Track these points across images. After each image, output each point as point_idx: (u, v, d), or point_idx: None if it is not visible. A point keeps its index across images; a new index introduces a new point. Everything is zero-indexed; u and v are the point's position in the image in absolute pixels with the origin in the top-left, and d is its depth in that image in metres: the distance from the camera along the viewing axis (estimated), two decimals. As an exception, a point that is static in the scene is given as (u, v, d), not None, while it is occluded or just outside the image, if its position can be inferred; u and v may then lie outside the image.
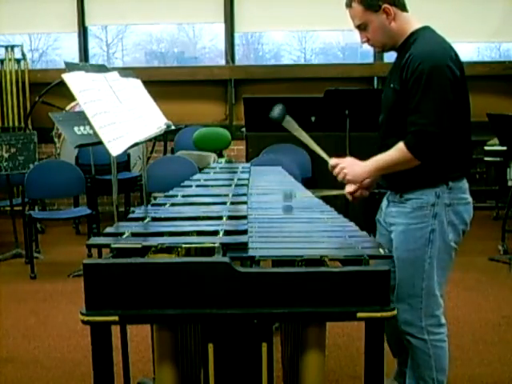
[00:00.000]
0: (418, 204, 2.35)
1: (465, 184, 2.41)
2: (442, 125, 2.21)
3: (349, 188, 2.46)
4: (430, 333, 2.43)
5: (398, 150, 2.28)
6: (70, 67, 2.55)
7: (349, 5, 2.36)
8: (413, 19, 2.37)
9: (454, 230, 2.39)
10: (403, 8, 2.35)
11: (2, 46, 7.15)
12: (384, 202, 2.60)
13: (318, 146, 2.54)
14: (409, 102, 2.25)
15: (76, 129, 3.12)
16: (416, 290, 2.39)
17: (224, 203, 2.50)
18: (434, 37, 2.33)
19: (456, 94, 2.27)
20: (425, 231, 2.35)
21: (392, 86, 2.36)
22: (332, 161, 2.45)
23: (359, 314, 1.69)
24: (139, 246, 1.85)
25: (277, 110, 2.53)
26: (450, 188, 2.34)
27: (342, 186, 2.50)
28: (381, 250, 1.86)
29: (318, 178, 5.32)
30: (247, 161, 5.43)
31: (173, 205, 2.51)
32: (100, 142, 2.46)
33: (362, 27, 2.36)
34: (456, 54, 2.32)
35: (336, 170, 2.42)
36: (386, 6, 2.29)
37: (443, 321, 2.47)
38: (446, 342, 2.48)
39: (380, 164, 2.35)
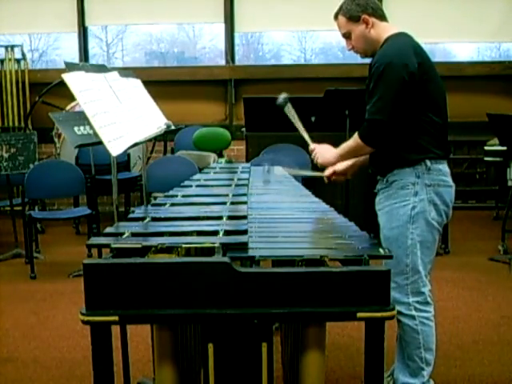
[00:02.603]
0: (401, 184, 2.56)
1: (445, 167, 2.59)
2: (388, 113, 2.44)
3: (326, 172, 2.83)
4: (418, 309, 2.58)
5: (353, 139, 2.58)
6: (70, 67, 2.55)
7: (335, 17, 2.66)
8: (391, 27, 2.61)
9: (435, 210, 2.56)
10: (382, 18, 2.62)
11: (2, 46, 7.15)
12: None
13: (308, 134, 2.90)
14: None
15: (76, 129, 3.12)
16: (401, 267, 2.55)
17: (224, 203, 2.50)
18: (400, 40, 2.55)
19: (414, 89, 2.44)
20: (406, 208, 2.54)
21: (366, 84, 2.60)
22: (311, 146, 2.83)
23: (359, 314, 1.69)
24: (139, 246, 1.86)
25: (281, 98, 2.88)
26: (428, 168, 2.53)
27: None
28: (381, 250, 1.86)
29: (317, 178, 5.31)
30: (247, 161, 5.43)
31: (173, 205, 2.51)
32: (100, 142, 2.46)
33: (346, 36, 2.64)
34: (421, 55, 2.50)
35: (312, 154, 2.81)
36: (364, 16, 2.57)
37: (430, 300, 2.62)
38: (433, 322, 2.62)
39: (341, 151, 2.69)
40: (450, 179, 2.60)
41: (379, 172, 2.65)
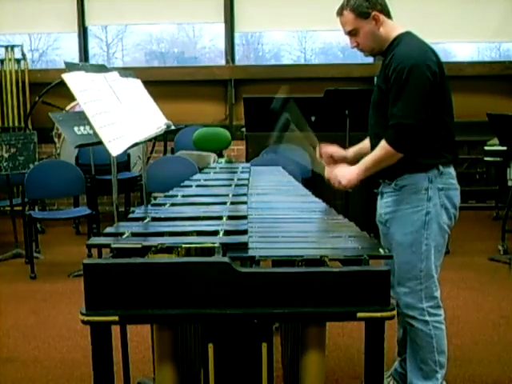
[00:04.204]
0: (413, 189, 2.50)
1: (453, 170, 2.57)
2: (417, 116, 2.37)
3: (323, 148, 2.74)
4: (431, 314, 2.55)
5: (381, 148, 2.45)
6: (70, 67, 2.54)
7: (340, 13, 2.55)
8: (397, 25, 2.56)
9: (446, 213, 2.54)
10: (388, 15, 2.55)
11: (2, 46, 7.15)
12: (378, 198, 2.71)
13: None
14: (390, 98, 2.43)
15: (76, 129, 3.12)
16: (415, 273, 2.52)
17: (224, 203, 2.50)
18: (415, 40, 2.52)
19: (436, 89, 2.41)
20: (420, 214, 2.49)
21: (377, 84, 2.54)
22: (327, 175, 2.68)
23: (359, 314, 1.69)
24: (139, 246, 1.85)
25: (279, 100, 2.75)
26: (441, 173, 2.50)
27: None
28: (381, 250, 1.86)
29: (317, 179, 5.31)
30: (247, 161, 5.43)
31: (173, 205, 2.51)
32: (100, 142, 2.46)
33: (352, 33, 2.55)
34: (436, 55, 2.47)
35: (332, 181, 2.63)
36: (375, 13, 2.49)
37: (441, 303, 2.60)
38: (444, 325, 2.60)
39: (367, 164, 2.52)
40: (457, 181, 2.57)
41: (386, 176, 2.58)
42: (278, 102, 2.75)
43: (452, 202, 2.54)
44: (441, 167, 2.49)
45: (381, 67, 2.59)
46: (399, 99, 2.38)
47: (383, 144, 2.43)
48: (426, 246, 2.50)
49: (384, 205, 2.63)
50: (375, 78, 2.79)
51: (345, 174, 2.57)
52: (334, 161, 2.77)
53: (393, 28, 2.53)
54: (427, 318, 2.54)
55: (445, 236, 2.56)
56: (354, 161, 2.71)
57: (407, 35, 2.52)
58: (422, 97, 2.37)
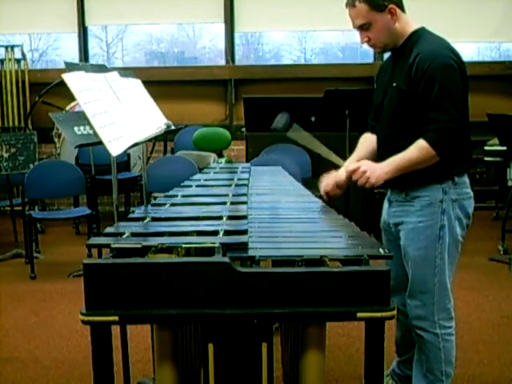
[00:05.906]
0: (427, 201, 2.39)
1: (467, 179, 2.45)
2: (460, 120, 2.26)
3: (325, 186, 2.56)
4: (442, 326, 2.47)
5: (420, 149, 2.28)
6: (70, 67, 2.54)
7: (351, 4, 2.34)
8: (412, 21, 2.41)
9: (460, 225, 2.45)
10: (403, 9, 2.39)
11: (2, 46, 7.15)
12: (385, 205, 2.62)
13: (330, 151, 2.58)
14: (424, 101, 2.28)
15: (76, 129, 3.12)
16: (428, 286, 2.44)
17: (224, 203, 2.50)
18: (435, 37, 2.38)
19: (463, 91, 2.32)
20: (435, 228, 2.39)
21: (395, 85, 2.38)
22: (351, 166, 2.43)
23: (359, 314, 1.69)
24: (139, 246, 1.85)
25: (282, 121, 2.58)
26: (455, 183, 2.38)
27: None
28: (381, 250, 1.86)
29: (317, 179, 5.31)
30: (247, 161, 5.43)
31: (173, 205, 2.51)
32: (100, 142, 2.46)
33: (364, 27, 2.36)
34: (457, 52, 2.37)
35: (357, 175, 2.38)
36: (391, 6, 2.32)
37: (453, 314, 2.52)
38: (454, 336, 2.53)
39: (401, 163, 2.33)
40: (470, 190, 2.46)
41: (397, 185, 2.46)
42: (282, 121, 2.65)
43: (465, 211, 2.44)
44: (456, 178, 2.38)
45: (391, 66, 2.47)
46: (439, 102, 2.24)
47: (423, 145, 2.27)
48: (440, 260, 2.41)
49: (393, 214, 2.52)
50: (375, 78, 2.76)
51: (375, 171, 2.34)
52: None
53: (407, 23, 2.38)
54: (438, 330, 2.46)
55: (458, 246, 2.47)
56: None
57: (425, 31, 2.39)
58: (459, 99, 2.27)
